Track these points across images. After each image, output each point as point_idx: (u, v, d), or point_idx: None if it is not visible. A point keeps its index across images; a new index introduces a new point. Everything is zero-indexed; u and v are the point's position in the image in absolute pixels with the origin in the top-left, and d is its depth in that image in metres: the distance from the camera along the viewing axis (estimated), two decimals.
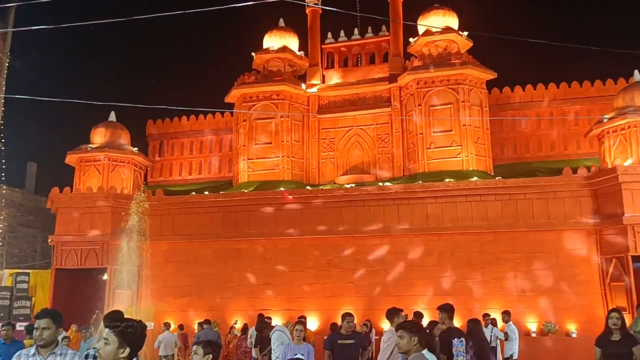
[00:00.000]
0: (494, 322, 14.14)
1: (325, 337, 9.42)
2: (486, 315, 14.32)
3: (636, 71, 18.82)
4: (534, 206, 17.45)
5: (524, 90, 22.49)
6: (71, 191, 19.97)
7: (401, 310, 9.63)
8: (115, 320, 3.74)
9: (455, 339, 7.91)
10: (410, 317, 11.83)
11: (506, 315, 14.50)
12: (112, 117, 21.61)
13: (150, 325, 16.56)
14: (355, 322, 9.40)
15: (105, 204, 19.32)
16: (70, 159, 20.72)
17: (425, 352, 5.12)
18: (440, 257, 17.79)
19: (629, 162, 16.85)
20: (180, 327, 16.92)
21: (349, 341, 8.77)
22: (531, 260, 17.24)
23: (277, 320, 16.90)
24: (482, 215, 17.69)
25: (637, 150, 16.95)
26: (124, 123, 21.75)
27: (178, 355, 16.26)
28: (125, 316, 3.97)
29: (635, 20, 37.95)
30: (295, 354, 8.28)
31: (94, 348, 5.41)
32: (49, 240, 20.15)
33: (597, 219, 16.97)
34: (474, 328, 8.72)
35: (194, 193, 20.44)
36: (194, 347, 4.93)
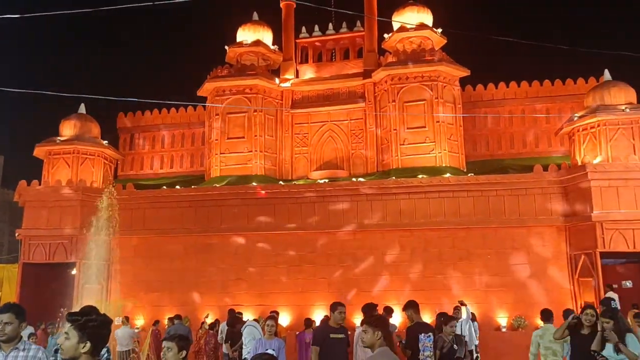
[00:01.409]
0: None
1: (312, 330, 8.86)
2: (456, 308, 14.48)
3: (606, 70, 19.13)
4: (506, 203, 17.63)
5: (496, 87, 22.69)
6: (39, 184, 19.61)
7: (376, 305, 9.61)
8: (76, 314, 3.63)
9: (423, 334, 7.89)
10: (380, 312, 11.81)
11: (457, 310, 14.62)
12: (82, 109, 21.27)
13: (119, 320, 16.32)
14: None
15: (75, 198, 19.00)
16: (39, 151, 20.34)
17: None
18: (412, 253, 17.86)
19: (598, 160, 17.11)
20: (155, 322, 16.64)
21: (340, 335, 7.96)
22: (502, 256, 17.42)
23: (248, 316, 16.77)
24: (454, 211, 17.80)
25: (606, 149, 17.22)
26: (94, 115, 21.45)
27: (148, 352, 16.04)
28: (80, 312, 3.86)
29: (605, 21, 38.62)
30: (266, 349, 8.20)
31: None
32: (17, 234, 19.74)
33: (566, 216, 17.21)
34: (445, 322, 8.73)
35: (165, 187, 20.19)
36: (166, 343, 4.80)
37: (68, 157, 20.02)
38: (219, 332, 14.40)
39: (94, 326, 3.55)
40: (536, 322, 16.91)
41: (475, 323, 14.17)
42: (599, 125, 17.52)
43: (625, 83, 18.33)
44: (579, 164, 17.41)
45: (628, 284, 18.13)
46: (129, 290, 18.52)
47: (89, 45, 43.80)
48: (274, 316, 10.69)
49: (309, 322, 13.63)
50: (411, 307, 8.32)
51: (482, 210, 17.68)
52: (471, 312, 14.53)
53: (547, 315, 9.88)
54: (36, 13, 11.18)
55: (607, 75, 19.07)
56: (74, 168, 19.89)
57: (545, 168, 17.79)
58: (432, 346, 7.72)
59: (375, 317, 5.45)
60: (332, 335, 7.81)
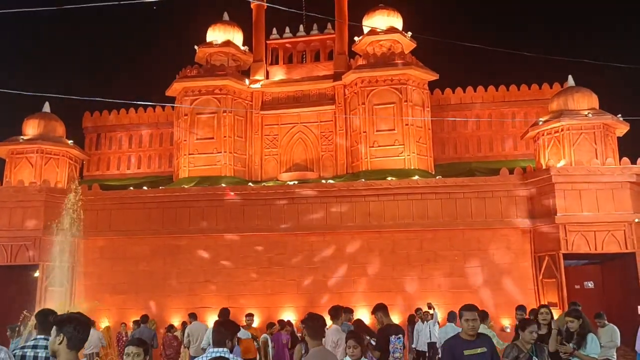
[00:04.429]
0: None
1: (442, 345, 6.79)
2: (428, 309, 14.69)
3: (570, 76, 19.58)
4: (472, 205, 17.88)
5: (464, 91, 23.03)
6: (1, 184, 19.12)
7: (341, 308, 9.65)
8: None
9: (393, 336, 7.95)
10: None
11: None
12: (47, 108, 20.86)
13: None
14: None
15: (38, 198, 18.57)
16: (0, 150, 19.92)
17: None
18: (381, 255, 17.97)
19: (561, 163, 17.50)
20: (170, 327, 16.20)
21: (479, 350, 5.80)
22: (468, 258, 17.67)
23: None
24: (422, 214, 17.97)
25: (569, 152, 17.63)
26: (58, 115, 21.01)
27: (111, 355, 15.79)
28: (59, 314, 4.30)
29: (569, 28, 39.57)
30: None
31: (21, 348, 5.19)
32: None
33: (531, 218, 17.55)
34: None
35: (132, 188, 19.88)
36: (127, 348, 4.75)
37: (31, 157, 19.60)
38: (186, 335, 14.20)
39: (57, 322, 4.07)
40: (501, 323, 17.23)
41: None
42: (562, 130, 17.93)
43: (588, 89, 18.79)
44: (544, 167, 17.78)
45: (590, 284, 18.58)
46: (94, 293, 18.18)
47: (53, 42, 42.86)
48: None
49: (283, 324, 13.61)
50: (380, 309, 8.37)
51: (450, 213, 17.90)
52: (425, 312, 14.74)
53: (451, 317, 10.75)
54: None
55: (570, 81, 19.53)
56: (38, 168, 19.50)
57: (511, 171, 18.10)
58: (402, 347, 7.78)
59: (308, 315, 5.67)
60: (467, 352, 5.77)
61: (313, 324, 5.57)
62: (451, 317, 10.59)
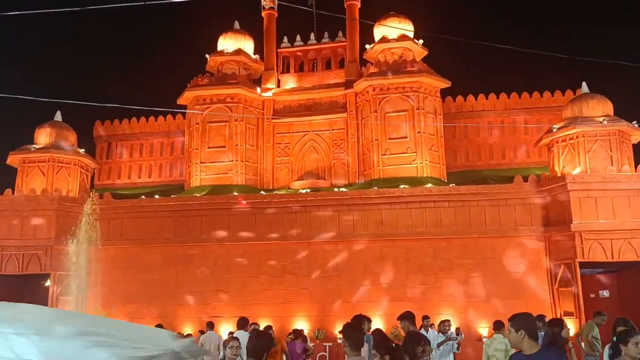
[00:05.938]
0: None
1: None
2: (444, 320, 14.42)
3: (584, 83, 19.45)
4: (486, 213, 17.72)
5: (476, 99, 22.90)
6: (13, 193, 19.12)
7: (364, 317, 9.51)
8: None
9: None
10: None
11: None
12: (58, 116, 20.93)
13: None
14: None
15: (50, 207, 18.63)
16: (12, 159, 19.94)
17: None
18: (394, 263, 17.81)
19: (577, 170, 17.32)
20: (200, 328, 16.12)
21: None
22: (483, 266, 17.48)
23: (228, 327, 16.49)
24: (435, 222, 17.82)
25: (584, 160, 17.46)
26: (70, 123, 21.08)
27: None
28: None
29: (584, 32, 39.40)
30: None
31: None
32: None
33: (546, 226, 17.37)
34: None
35: (143, 197, 19.87)
36: None
37: (43, 166, 19.65)
38: (199, 344, 14.06)
39: None
40: None
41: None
42: (577, 137, 17.78)
43: (602, 95, 18.65)
44: (558, 175, 17.61)
45: (605, 293, 18.34)
46: (106, 302, 18.05)
47: (65, 50, 43.08)
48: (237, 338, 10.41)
49: (297, 333, 13.46)
50: (407, 318, 8.23)
51: (463, 221, 17.74)
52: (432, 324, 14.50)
53: (497, 326, 10.23)
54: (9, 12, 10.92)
55: (584, 87, 19.39)
56: (49, 177, 19.53)
57: (525, 179, 17.94)
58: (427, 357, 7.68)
59: (347, 326, 5.57)
60: None
61: (354, 334, 5.40)
62: (498, 326, 10.32)
